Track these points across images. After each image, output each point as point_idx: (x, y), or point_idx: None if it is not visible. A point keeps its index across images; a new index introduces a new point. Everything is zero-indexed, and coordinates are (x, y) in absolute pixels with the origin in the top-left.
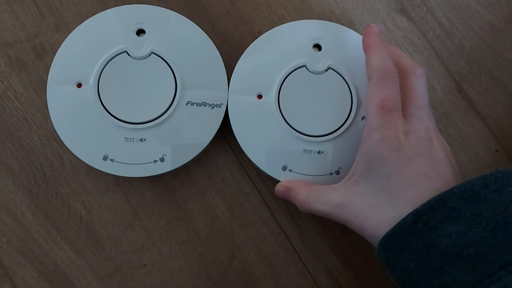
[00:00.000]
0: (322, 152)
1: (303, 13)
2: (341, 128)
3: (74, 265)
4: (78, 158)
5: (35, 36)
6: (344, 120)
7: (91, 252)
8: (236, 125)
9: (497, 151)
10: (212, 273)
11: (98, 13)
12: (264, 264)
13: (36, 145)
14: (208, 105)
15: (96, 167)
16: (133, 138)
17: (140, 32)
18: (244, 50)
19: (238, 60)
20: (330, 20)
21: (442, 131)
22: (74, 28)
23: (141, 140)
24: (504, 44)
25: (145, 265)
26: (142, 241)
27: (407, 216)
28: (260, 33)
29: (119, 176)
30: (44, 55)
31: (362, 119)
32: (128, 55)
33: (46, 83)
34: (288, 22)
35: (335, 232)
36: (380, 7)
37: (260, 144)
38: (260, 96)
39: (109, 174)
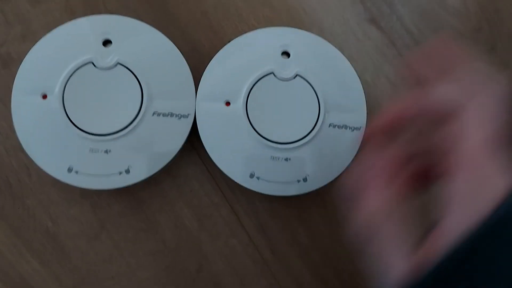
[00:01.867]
0: (289, 159)
1: (273, 23)
2: (308, 135)
3: (41, 277)
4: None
5: (2, 45)
6: (312, 127)
7: (58, 263)
8: (203, 132)
9: None
10: (180, 283)
11: (66, 22)
12: (233, 274)
13: (2, 155)
14: (175, 115)
15: (60, 179)
16: (98, 150)
17: (107, 42)
18: (211, 58)
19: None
20: (300, 29)
21: None
22: (42, 37)
23: (106, 151)
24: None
25: (112, 277)
26: (109, 253)
27: None
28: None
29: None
30: (10, 64)
31: (329, 126)
32: (94, 65)
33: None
34: None
35: (304, 242)
36: (350, 17)
37: (228, 150)
38: (228, 103)
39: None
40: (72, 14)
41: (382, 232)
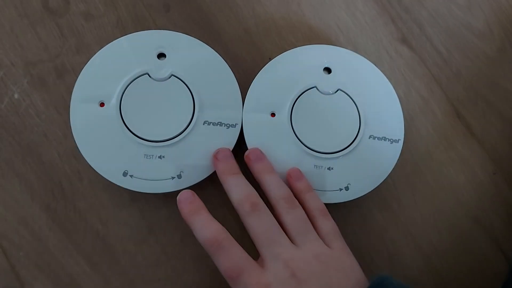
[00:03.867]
0: (331, 168)
1: (310, 41)
2: (350, 146)
3: (90, 278)
4: (96, 174)
5: (57, 56)
6: (353, 138)
7: (107, 266)
8: (250, 140)
9: (494, 173)
10: None
11: (117, 37)
12: None
13: (56, 161)
14: (223, 124)
15: (116, 183)
16: (152, 155)
17: (161, 55)
18: (256, 74)
19: (251, 82)
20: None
21: (442, 152)
22: (94, 50)
23: (159, 157)
24: (497, 71)
25: (159, 279)
26: (157, 256)
27: None
28: (270, 59)
29: (135, 192)
30: (65, 74)
31: (369, 138)
32: (150, 76)
33: (66, 102)
34: None
35: None
36: (383, 36)
37: (273, 159)
38: (273, 114)
39: (125, 190)
40: (123, 29)
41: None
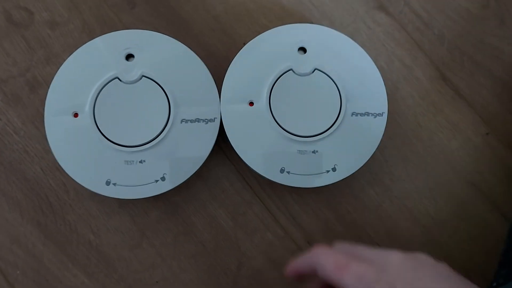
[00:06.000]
0: (316, 151)
1: (284, 20)
2: (332, 126)
3: None
4: (81, 185)
5: (27, 70)
6: (335, 117)
7: (104, 275)
8: (231, 134)
9: (487, 133)
10: (222, 282)
11: (85, 42)
12: (273, 268)
13: (40, 176)
14: (202, 120)
15: (100, 193)
16: (132, 161)
17: (129, 56)
18: (231, 62)
19: (226, 72)
20: (311, 23)
21: (431, 120)
22: (64, 59)
23: (140, 162)
24: (482, 29)
25: (157, 282)
26: (152, 259)
27: None
28: (245, 44)
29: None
30: (38, 87)
31: (352, 115)
32: (120, 80)
33: (42, 115)
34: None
35: (337, 229)
36: (359, 6)
37: (257, 149)
38: (251, 103)
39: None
40: (90, 33)
41: None
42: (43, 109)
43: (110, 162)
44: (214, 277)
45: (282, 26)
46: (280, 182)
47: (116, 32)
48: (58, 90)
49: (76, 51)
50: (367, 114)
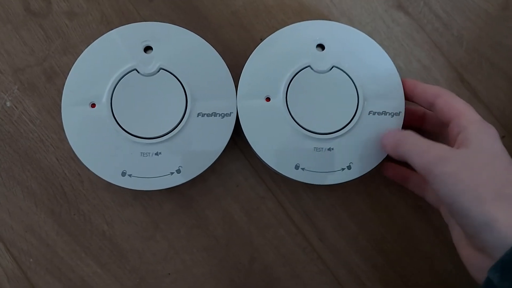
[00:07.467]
0: (332, 149)
1: (302, 16)
2: (349, 124)
3: (101, 279)
4: (96, 175)
5: (44, 59)
6: (352, 116)
7: (116, 265)
8: (247, 129)
9: (503, 136)
10: (234, 277)
11: (103, 33)
12: (284, 264)
13: (54, 165)
14: (218, 115)
15: (116, 184)
16: (148, 153)
17: (148, 49)
18: (248, 57)
19: (243, 67)
20: (330, 20)
21: None
22: (81, 49)
23: (156, 154)
24: (501, 31)
25: (169, 274)
26: (165, 251)
27: None
28: (262, 40)
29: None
30: (54, 77)
31: (368, 114)
32: (138, 72)
33: (58, 105)
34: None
35: (351, 227)
36: (378, 4)
37: (272, 145)
38: (268, 99)
39: (128, 188)
40: (108, 24)
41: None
42: (60, 99)
43: (126, 153)
44: (226, 271)
45: (300, 23)
46: (294, 178)
47: (134, 23)
48: (76, 80)
49: (94, 42)
50: (385, 113)
